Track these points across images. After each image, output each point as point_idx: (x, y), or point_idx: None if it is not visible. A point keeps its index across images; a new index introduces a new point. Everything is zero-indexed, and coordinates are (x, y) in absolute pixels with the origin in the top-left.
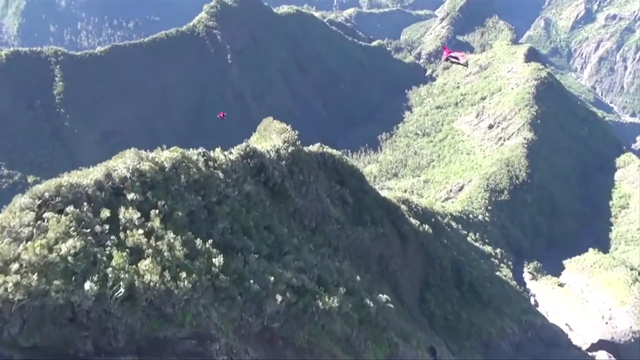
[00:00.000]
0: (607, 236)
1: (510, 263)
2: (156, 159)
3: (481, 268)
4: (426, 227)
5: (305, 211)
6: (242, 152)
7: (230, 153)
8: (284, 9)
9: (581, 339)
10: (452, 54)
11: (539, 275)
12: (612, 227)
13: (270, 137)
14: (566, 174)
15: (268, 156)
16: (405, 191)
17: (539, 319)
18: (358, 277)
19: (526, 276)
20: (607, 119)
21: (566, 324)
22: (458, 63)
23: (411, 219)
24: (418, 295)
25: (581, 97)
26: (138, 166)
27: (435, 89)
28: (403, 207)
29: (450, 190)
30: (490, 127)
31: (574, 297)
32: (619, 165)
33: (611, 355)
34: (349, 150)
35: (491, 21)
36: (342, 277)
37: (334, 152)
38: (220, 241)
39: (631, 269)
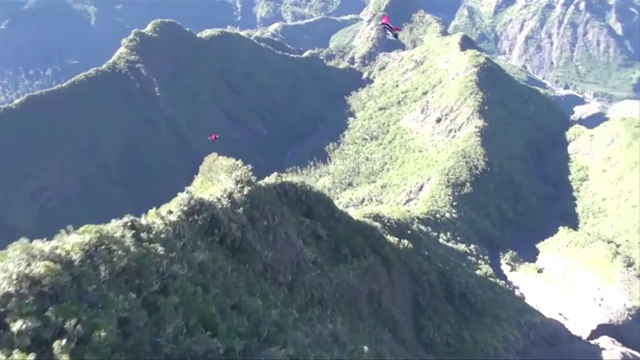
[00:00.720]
0: (574, 211)
1: (486, 257)
2: (58, 251)
3: (467, 274)
4: (405, 242)
5: (278, 265)
6: (185, 208)
7: (170, 212)
8: (207, 32)
9: (579, 327)
10: (389, 24)
11: (517, 265)
12: (577, 202)
13: (219, 179)
14: (521, 156)
15: (220, 205)
16: (363, 200)
17: (537, 317)
18: (366, 348)
19: (504, 268)
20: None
21: (559, 314)
22: (390, 31)
23: (388, 236)
24: (413, 323)
25: (515, 78)
26: (28, 271)
27: (374, 90)
28: (377, 224)
29: (410, 192)
30: (438, 120)
31: (557, 282)
32: (570, 139)
33: (614, 340)
34: (298, 167)
35: (417, 16)
36: (344, 349)
37: (295, 179)
38: (173, 353)
39: (608, 242)
